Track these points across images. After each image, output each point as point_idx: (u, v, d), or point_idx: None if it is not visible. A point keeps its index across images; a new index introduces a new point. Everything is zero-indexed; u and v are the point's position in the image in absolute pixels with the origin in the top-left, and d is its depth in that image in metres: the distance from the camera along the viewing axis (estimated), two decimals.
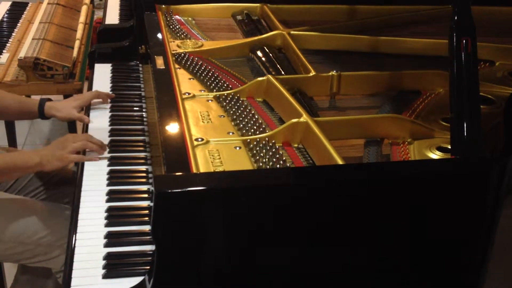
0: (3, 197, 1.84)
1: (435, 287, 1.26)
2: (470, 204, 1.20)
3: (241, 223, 1.11)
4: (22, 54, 2.36)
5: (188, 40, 1.97)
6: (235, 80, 1.72)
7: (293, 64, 1.85)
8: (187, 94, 1.59)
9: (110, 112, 1.93)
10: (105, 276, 1.24)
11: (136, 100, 2.03)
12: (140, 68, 2.21)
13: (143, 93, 2.06)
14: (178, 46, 1.91)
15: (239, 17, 2.24)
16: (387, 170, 1.25)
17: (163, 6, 2.21)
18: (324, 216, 1.14)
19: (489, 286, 1.27)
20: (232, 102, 1.56)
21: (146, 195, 1.52)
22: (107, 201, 1.49)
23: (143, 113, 1.93)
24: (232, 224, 1.11)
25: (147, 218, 1.42)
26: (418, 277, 1.24)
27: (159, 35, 1.96)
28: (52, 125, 3.64)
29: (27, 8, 3.11)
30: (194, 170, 1.24)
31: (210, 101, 1.58)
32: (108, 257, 1.29)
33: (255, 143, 1.37)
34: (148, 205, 1.47)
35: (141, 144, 1.76)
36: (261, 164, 1.30)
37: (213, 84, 1.66)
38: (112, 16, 2.74)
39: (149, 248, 1.30)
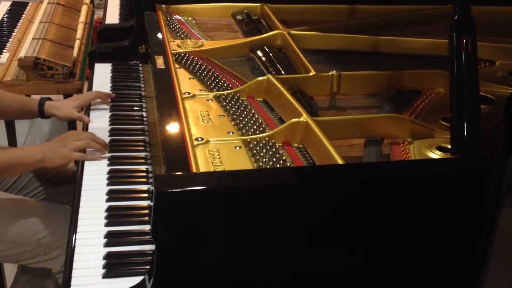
0: (3, 197, 1.84)
1: (435, 287, 1.26)
2: (470, 204, 1.20)
3: (241, 223, 1.11)
4: (22, 53, 2.36)
5: (188, 39, 1.97)
6: (235, 80, 1.72)
7: (293, 63, 1.85)
8: (187, 93, 1.59)
9: (110, 111, 1.93)
10: (105, 276, 1.24)
11: (136, 99, 2.03)
12: (140, 68, 2.21)
13: (143, 93, 2.06)
14: (178, 45, 1.91)
15: (239, 17, 2.24)
16: (387, 170, 1.25)
17: (163, 5, 2.21)
18: (324, 216, 1.14)
19: (489, 286, 1.27)
20: (232, 102, 1.56)
21: (146, 195, 1.52)
22: (107, 200, 1.49)
23: (143, 113, 1.93)
24: (232, 224, 1.11)
25: (147, 218, 1.42)
26: (418, 277, 1.24)
27: (159, 35, 1.96)
28: (52, 124, 3.64)
29: (27, 8, 3.11)
30: (194, 170, 1.24)
31: (210, 100, 1.58)
32: (108, 256, 1.29)
33: (255, 142, 1.37)
34: (148, 204, 1.48)
35: (141, 143, 1.76)
36: (261, 163, 1.30)
37: (213, 84, 1.66)
38: (112, 16, 2.74)
39: (149, 247, 1.30)
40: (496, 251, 1.23)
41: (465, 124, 1.21)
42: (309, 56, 1.85)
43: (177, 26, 2.09)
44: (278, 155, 1.33)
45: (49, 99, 1.89)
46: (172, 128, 1.41)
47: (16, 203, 1.78)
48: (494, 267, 1.25)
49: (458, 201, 1.19)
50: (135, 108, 1.98)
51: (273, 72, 1.74)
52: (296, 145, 1.42)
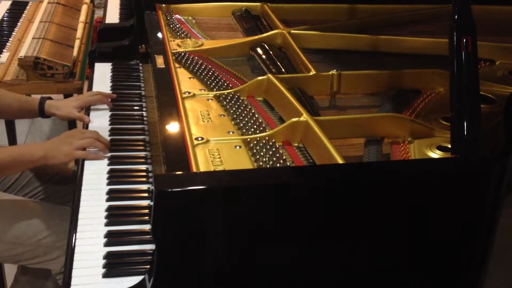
0: (3, 198, 1.84)
1: (435, 287, 1.26)
2: (470, 204, 1.20)
3: (241, 223, 1.11)
4: (22, 53, 2.36)
5: (188, 39, 1.97)
6: (235, 79, 1.72)
7: (294, 63, 1.85)
8: (187, 93, 1.59)
9: (110, 111, 1.93)
10: (105, 275, 1.24)
11: (136, 99, 2.03)
12: (140, 67, 2.21)
13: (143, 92, 2.06)
14: (178, 45, 1.91)
15: (238, 13, 2.23)
16: (387, 169, 1.25)
17: (163, 5, 2.21)
18: (324, 216, 1.14)
19: (489, 286, 1.27)
20: (232, 101, 1.56)
21: (146, 194, 1.52)
22: (107, 200, 1.49)
23: (143, 112, 1.93)
24: (232, 223, 1.11)
25: (147, 217, 1.42)
26: (418, 277, 1.24)
27: (159, 34, 1.96)
28: (52, 124, 3.64)
29: (27, 7, 3.11)
30: (194, 169, 1.24)
31: (210, 100, 1.58)
32: (108, 256, 1.29)
33: (255, 142, 1.37)
34: (148, 204, 1.47)
35: (141, 143, 1.76)
36: (261, 163, 1.30)
37: (213, 83, 1.66)
38: (112, 15, 2.74)
39: (149, 247, 1.30)
40: (496, 251, 1.23)
41: (465, 124, 1.21)
42: (309, 55, 1.85)
43: (177, 26, 2.09)
44: (278, 155, 1.33)
45: (50, 98, 1.89)
46: (172, 127, 1.41)
47: (17, 204, 1.78)
48: (494, 267, 1.25)
49: (458, 200, 1.19)
50: (135, 107, 1.98)
51: (273, 70, 1.74)
52: (296, 144, 1.42)
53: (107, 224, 1.40)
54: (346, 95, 1.73)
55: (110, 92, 2.05)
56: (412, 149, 1.43)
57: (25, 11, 3.06)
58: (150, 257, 1.26)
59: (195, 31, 2.09)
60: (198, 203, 1.08)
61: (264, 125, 1.47)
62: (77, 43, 2.56)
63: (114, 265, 1.27)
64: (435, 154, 1.39)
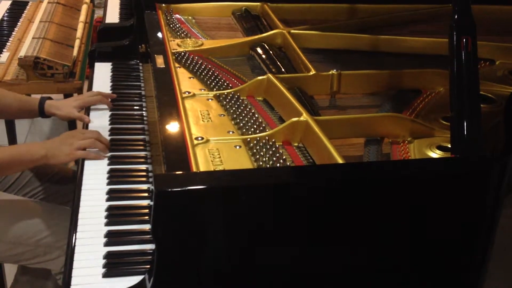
0: (3, 198, 1.84)
1: (435, 287, 1.26)
2: (470, 203, 1.20)
3: (241, 222, 1.11)
4: (22, 53, 2.36)
5: (188, 39, 1.97)
6: (235, 79, 1.72)
7: (294, 63, 1.85)
8: (187, 93, 1.59)
9: (110, 110, 1.93)
10: (105, 275, 1.24)
11: (136, 99, 2.03)
12: (140, 67, 2.21)
13: (143, 92, 2.06)
14: (178, 45, 1.91)
15: (238, 13, 2.24)
16: (387, 169, 1.25)
17: (163, 5, 2.21)
18: (324, 216, 1.14)
19: (489, 286, 1.27)
20: (232, 101, 1.56)
21: (146, 194, 1.52)
22: (107, 200, 1.49)
23: (143, 112, 1.93)
24: (232, 223, 1.11)
25: (147, 217, 1.42)
26: (418, 277, 1.24)
27: (159, 34, 1.96)
28: (52, 124, 3.64)
29: (27, 7, 3.11)
30: (194, 169, 1.24)
31: (210, 100, 1.58)
32: (108, 256, 1.29)
33: (255, 142, 1.37)
34: (148, 204, 1.47)
35: (141, 143, 1.76)
36: (261, 163, 1.30)
37: (213, 83, 1.66)
38: (112, 15, 2.74)
39: (149, 247, 1.30)
40: (496, 251, 1.23)
41: (465, 124, 1.21)
42: (309, 55, 1.85)
43: (177, 25, 2.08)
44: (278, 155, 1.33)
45: (50, 98, 1.89)
46: (172, 127, 1.41)
47: (17, 204, 1.78)
48: (494, 267, 1.25)
49: (458, 200, 1.19)
50: (135, 107, 1.98)
51: (273, 70, 1.74)
52: (296, 144, 1.42)
53: (107, 224, 1.40)
54: (346, 95, 1.73)
55: (110, 92, 2.05)
56: (412, 149, 1.43)
57: (25, 11, 3.06)
58: (150, 257, 1.26)
59: (195, 31, 2.09)
60: (198, 203, 1.08)
61: (264, 125, 1.47)
62: (77, 43, 2.56)
63: (114, 265, 1.27)
64: (435, 154, 1.39)
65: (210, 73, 1.71)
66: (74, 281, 1.23)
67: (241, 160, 1.31)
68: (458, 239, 1.23)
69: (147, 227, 1.36)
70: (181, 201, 1.07)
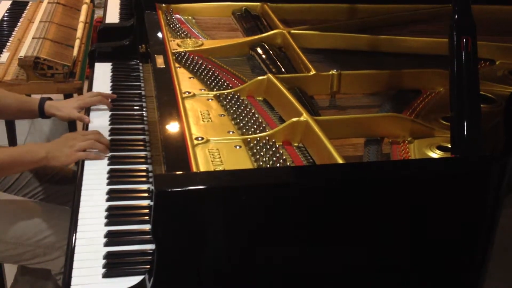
0: (3, 198, 1.84)
1: (435, 287, 1.26)
2: (470, 204, 1.20)
3: (241, 222, 1.11)
4: (22, 53, 2.36)
5: (188, 39, 1.97)
6: (235, 79, 1.72)
7: (294, 63, 1.85)
8: (187, 93, 1.59)
9: (110, 111, 1.93)
10: (105, 275, 1.24)
11: (136, 99, 2.03)
12: (140, 67, 2.21)
13: (143, 92, 2.06)
14: (178, 45, 1.91)
15: (238, 13, 2.24)
16: (387, 169, 1.25)
17: (163, 5, 2.21)
18: (324, 216, 1.14)
19: (489, 286, 1.27)
20: (232, 101, 1.56)
21: (146, 194, 1.52)
22: (107, 200, 1.49)
23: (143, 112, 1.93)
24: (232, 223, 1.11)
25: (147, 217, 1.42)
26: (418, 277, 1.24)
27: (159, 34, 1.96)
28: (52, 124, 3.64)
29: (27, 7, 3.11)
30: (194, 169, 1.24)
31: (210, 100, 1.58)
32: (108, 256, 1.29)
33: (255, 142, 1.37)
34: (148, 204, 1.47)
35: (141, 143, 1.76)
36: (261, 163, 1.30)
37: (213, 83, 1.66)
38: (112, 15, 2.74)
39: (149, 247, 1.30)
40: (496, 251, 1.23)
41: (465, 124, 1.21)
42: (309, 55, 1.85)
43: (177, 26, 2.09)
44: (278, 155, 1.33)
45: (50, 98, 1.89)
46: (172, 127, 1.41)
47: (17, 204, 1.78)
48: (494, 267, 1.25)
49: (458, 200, 1.19)
50: (135, 107, 1.98)
51: (273, 70, 1.74)
52: (296, 144, 1.42)
53: (107, 224, 1.40)
54: (346, 95, 1.73)
55: (110, 92, 2.05)
56: (412, 149, 1.43)
57: (25, 11, 3.06)
58: (150, 257, 1.26)
59: (195, 31, 2.09)
60: (198, 203, 1.08)
61: (264, 125, 1.47)
62: (77, 43, 2.56)
63: (114, 265, 1.27)
64: (435, 154, 1.39)
65: (210, 73, 1.71)
66: (74, 281, 1.23)
67: (241, 160, 1.31)
68: (458, 239, 1.23)
69: (147, 227, 1.36)
70: (181, 201, 1.07)
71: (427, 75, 1.75)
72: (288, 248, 1.14)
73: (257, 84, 1.63)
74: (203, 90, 1.63)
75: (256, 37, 1.98)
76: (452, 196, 1.19)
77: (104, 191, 1.52)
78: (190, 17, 2.23)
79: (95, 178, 1.58)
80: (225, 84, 1.67)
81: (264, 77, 1.63)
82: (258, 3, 2.25)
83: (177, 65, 1.76)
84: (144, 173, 1.61)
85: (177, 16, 2.21)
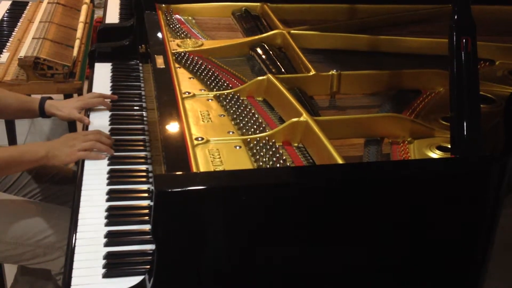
0: (3, 198, 1.84)
1: (435, 287, 1.26)
2: (470, 204, 1.20)
3: (241, 223, 1.11)
4: (22, 53, 2.36)
5: (188, 39, 1.97)
6: (235, 79, 1.73)
7: (294, 63, 1.85)
8: (187, 93, 1.59)
9: (110, 111, 1.93)
10: (105, 276, 1.24)
11: (136, 99, 2.03)
12: (140, 67, 2.21)
13: (143, 92, 2.06)
14: (178, 45, 1.91)
15: (238, 13, 2.24)
16: (387, 169, 1.25)
17: (163, 5, 2.21)
18: (324, 216, 1.14)
19: (489, 286, 1.27)
20: (232, 101, 1.56)
21: (146, 194, 1.52)
22: (107, 200, 1.49)
23: (143, 112, 1.93)
24: (232, 223, 1.11)
25: (147, 218, 1.42)
26: (418, 277, 1.24)
27: (159, 34, 1.96)
28: (52, 124, 3.64)
29: (27, 7, 3.11)
30: (194, 169, 1.24)
31: (210, 100, 1.58)
32: (108, 256, 1.29)
33: (255, 142, 1.37)
34: (148, 204, 1.48)
35: (141, 143, 1.76)
36: (261, 163, 1.30)
37: (213, 83, 1.66)
38: (112, 15, 2.75)
39: (149, 247, 1.30)
40: (496, 251, 1.23)
41: (465, 124, 1.21)
42: (309, 55, 1.85)
43: (177, 26, 2.09)
44: (278, 155, 1.33)
45: (50, 98, 1.89)
46: (172, 127, 1.41)
47: (17, 204, 1.78)
48: (494, 267, 1.25)
49: (458, 200, 1.19)
50: (135, 107, 1.98)
51: (273, 71, 1.74)
52: (296, 144, 1.42)
53: (107, 224, 1.40)
54: (346, 95, 1.73)
55: (110, 92, 2.05)
56: (412, 149, 1.43)
57: (25, 11, 3.06)
58: (150, 257, 1.26)
59: (195, 31, 2.09)
60: (198, 203, 1.08)
61: (264, 125, 1.47)
62: (77, 43, 2.57)
63: (114, 265, 1.27)
64: (435, 154, 1.39)
65: (210, 73, 1.71)
66: (74, 281, 1.23)
67: (241, 161, 1.31)
68: (458, 239, 1.23)
69: (147, 227, 1.36)
70: (181, 201, 1.07)
71: (427, 75, 1.75)
72: (288, 248, 1.14)
73: (257, 84, 1.63)
74: (203, 91, 1.63)
75: (256, 37, 1.98)
76: (452, 196, 1.19)
77: (104, 191, 1.52)
78: (190, 17, 2.23)
79: (95, 178, 1.58)
80: (225, 84, 1.67)
81: (264, 77, 1.63)
82: (258, 3, 2.25)
83: (177, 65, 1.76)
84: (144, 173, 1.61)
85: (177, 16, 2.21)
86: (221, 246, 1.12)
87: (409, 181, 1.18)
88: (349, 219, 1.16)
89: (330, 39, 1.98)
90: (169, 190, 1.05)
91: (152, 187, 1.36)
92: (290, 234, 1.13)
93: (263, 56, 1.85)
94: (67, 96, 2.46)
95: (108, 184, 1.55)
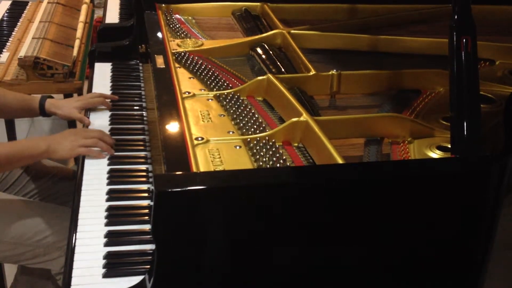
0: (3, 197, 1.84)
1: (435, 287, 1.26)
2: (470, 203, 1.20)
3: (241, 222, 1.11)
4: (22, 53, 2.36)
5: (188, 39, 1.97)
6: (235, 79, 1.73)
7: (294, 63, 1.85)
8: (187, 93, 1.59)
9: (110, 111, 1.93)
10: (105, 275, 1.24)
11: (136, 99, 2.03)
12: (140, 67, 2.21)
13: (143, 92, 2.06)
14: (178, 45, 1.91)
15: (238, 13, 2.24)
16: (387, 169, 1.25)
17: (163, 5, 2.21)
18: (324, 216, 1.14)
19: (489, 286, 1.27)
20: (232, 101, 1.56)
21: (146, 194, 1.52)
22: (107, 200, 1.49)
23: (143, 112, 1.93)
24: (232, 223, 1.11)
25: (147, 217, 1.42)
26: (418, 277, 1.24)
27: (159, 34, 1.96)
28: (52, 124, 3.64)
29: (27, 7, 3.11)
30: (194, 169, 1.24)
31: (210, 100, 1.58)
32: (108, 256, 1.29)
33: (255, 142, 1.37)
34: (148, 204, 1.48)
35: (141, 143, 1.76)
36: (261, 163, 1.30)
37: (213, 83, 1.66)
38: (112, 15, 2.75)
39: (149, 247, 1.30)
40: (496, 251, 1.23)
41: (465, 124, 1.21)
42: (309, 55, 1.85)
43: (177, 26, 2.09)
44: (278, 155, 1.33)
45: (50, 97, 1.88)
46: (172, 127, 1.41)
47: (17, 204, 1.78)
48: (494, 267, 1.25)
49: (458, 200, 1.19)
50: (135, 107, 1.98)
51: (273, 70, 1.74)
52: (296, 144, 1.42)
53: (107, 224, 1.40)
54: (346, 95, 1.73)
55: (110, 92, 2.05)
56: (412, 149, 1.43)
57: (25, 11, 3.06)
58: (150, 257, 1.27)
59: (195, 31, 2.09)
60: (198, 203, 1.08)
61: (264, 125, 1.47)
62: (77, 43, 2.57)
63: (114, 265, 1.27)
64: (435, 154, 1.39)
65: (210, 73, 1.71)
66: (74, 281, 1.23)
67: (241, 160, 1.31)
68: (458, 239, 1.23)
69: (147, 227, 1.37)
70: (181, 201, 1.07)
71: (427, 75, 1.75)
72: (288, 248, 1.14)
73: (257, 84, 1.63)
74: (203, 90, 1.63)
75: (256, 37, 1.98)
76: (452, 196, 1.19)
77: (104, 191, 1.52)
78: (190, 17, 2.23)
79: (95, 178, 1.58)
80: (225, 84, 1.67)
81: (264, 77, 1.63)
82: (258, 3, 2.25)
83: (177, 65, 1.76)
84: (144, 173, 1.61)
85: (177, 16, 2.21)
86: (221, 246, 1.12)
87: (409, 181, 1.18)
88: (349, 219, 1.16)
89: (330, 39, 1.98)
90: (169, 190, 1.05)
91: (152, 187, 1.36)
92: (290, 234, 1.14)
93: (263, 56, 1.85)
94: (67, 96, 2.46)
95: (108, 184, 1.55)
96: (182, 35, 2.02)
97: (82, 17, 2.89)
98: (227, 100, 1.57)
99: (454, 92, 1.24)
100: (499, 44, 1.93)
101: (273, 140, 1.38)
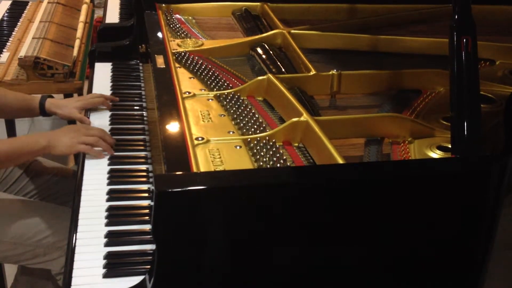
0: (3, 197, 1.84)
1: (435, 287, 1.26)
2: (470, 203, 1.20)
3: (242, 223, 1.11)
4: (22, 53, 2.36)
5: (188, 39, 1.97)
6: (235, 79, 1.73)
7: (294, 63, 1.85)
8: (187, 93, 1.59)
9: (110, 111, 1.93)
10: (105, 276, 1.24)
11: (136, 99, 2.03)
12: (141, 67, 2.21)
13: (143, 92, 2.06)
14: (178, 45, 1.91)
15: (238, 13, 2.24)
16: (387, 169, 1.25)
17: (163, 5, 2.21)
18: (325, 216, 1.14)
19: (489, 286, 1.27)
20: (233, 101, 1.56)
21: (146, 194, 1.52)
22: (108, 200, 1.49)
23: (144, 112, 1.93)
24: (233, 223, 1.11)
25: (147, 217, 1.42)
26: (418, 277, 1.24)
27: (159, 34, 1.96)
28: (52, 123, 3.64)
29: (27, 7, 3.12)
30: (195, 169, 1.24)
31: (210, 100, 1.58)
32: (108, 256, 1.29)
33: (255, 142, 1.37)
34: (149, 204, 1.48)
35: (142, 143, 1.76)
36: (261, 163, 1.30)
37: (214, 83, 1.66)
38: (112, 15, 2.75)
39: (150, 247, 1.30)
40: (496, 251, 1.23)
41: (465, 124, 1.21)
42: (310, 55, 1.85)
43: (177, 26, 2.09)
44: (278, 155, 1.33)
45: (51, 96, 1.88)
46: (173, 127, 1.41)
47: (17, 204, 1.78)
48: (494, 267, 1.25)
49: (458, 200, 1.19)
50: (136, 107, 1.98)
51: (273, 70, 1.74)
52: (296, 144, 1.42)
53: (107, 224, 1.40)
54: (346, 95, 1.73)
55: (110, 91, 2.05)
56: (412, 149, 1.43)
57: (25, 11, 3.06)
58: (150, 257, 1.27)
59: (195, 31, 2.09)
60: (199, 203, 1.08)
61: (264, 125, 1.47)
62: (77, 43, 2.57)
63: (115, 265, 1.27)
64: (435, 154, 1.39)
65: (210, 73, 1.71)
66: (74, 281, 1.23)
67: (241, 160, 1.31)
68: (458, 239, 1.23)
69: (147, 227, 1.37)
70: (182, 201, 1.07)
71: (427, 75, 1.75)
72: (289, 248, 1.14)
73: (257, 84, 1.64)
74: (203, 90, 1.63)
75: (256, 37, 1.98)
76: (452, 196, 1.19)
77: (104, 191, 1.52)
78: (190, 17, 2.23)
79: (95, 178, 1.58)
80: (225, 84, 1.67)
81: (264, 77, 1.63)
82: (258, 3, 2.25)
83: (177, 65, 1.76)
84: (144, 173, 1.61)
85: (177, 16, 2.21)
86: (222, 246, 1.12)
87: (409, 181, 1.18)
88: (349, 219, 1.16)
89: (330, 39, 1.98)
90: (170, 190, 1.05)
91: (152, 187, 1.36)
92: (290, 234, 1.14)
93: (263, 56, 1.85)
94: (67, 96, 2.46)
95: (108, 184, 1.55)
96: (182, 35, 2.02)
97: (82, 17, 2.89)
98: (228, 100, 1.57)
99: (454, 92, 1.24)
100: (499, 44, 1.93)
101: (274, 140, 1.38)
